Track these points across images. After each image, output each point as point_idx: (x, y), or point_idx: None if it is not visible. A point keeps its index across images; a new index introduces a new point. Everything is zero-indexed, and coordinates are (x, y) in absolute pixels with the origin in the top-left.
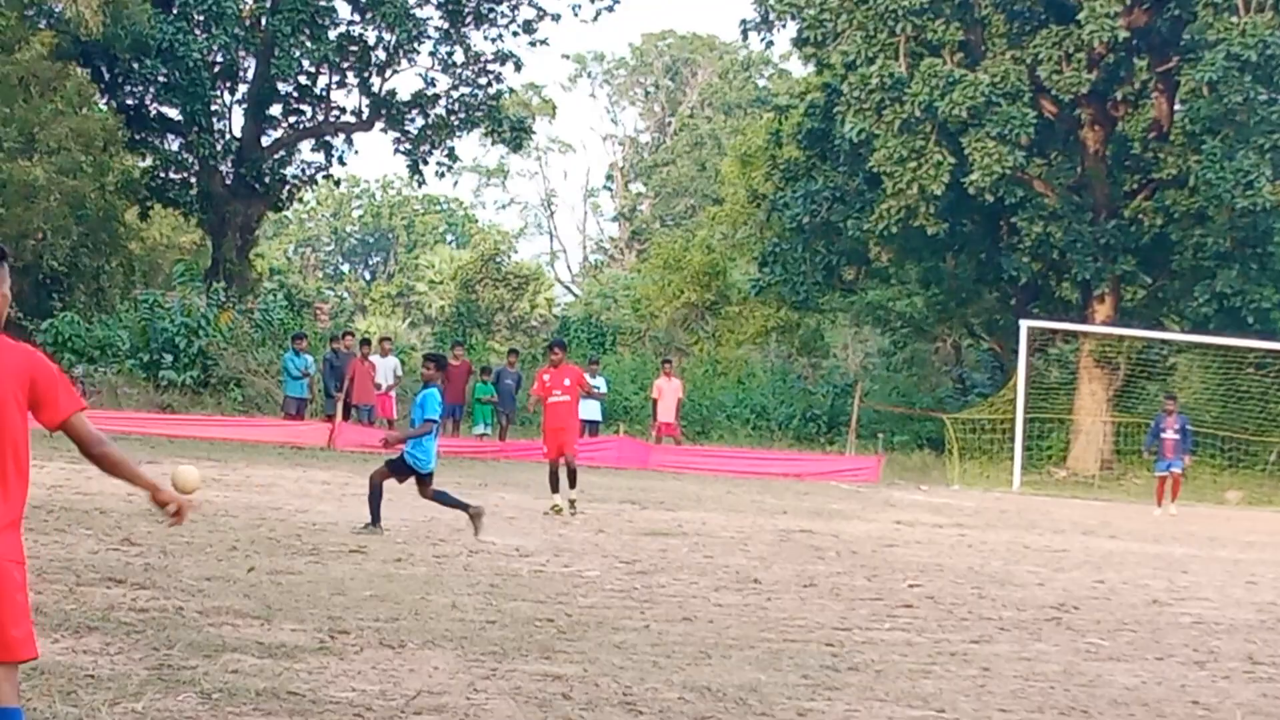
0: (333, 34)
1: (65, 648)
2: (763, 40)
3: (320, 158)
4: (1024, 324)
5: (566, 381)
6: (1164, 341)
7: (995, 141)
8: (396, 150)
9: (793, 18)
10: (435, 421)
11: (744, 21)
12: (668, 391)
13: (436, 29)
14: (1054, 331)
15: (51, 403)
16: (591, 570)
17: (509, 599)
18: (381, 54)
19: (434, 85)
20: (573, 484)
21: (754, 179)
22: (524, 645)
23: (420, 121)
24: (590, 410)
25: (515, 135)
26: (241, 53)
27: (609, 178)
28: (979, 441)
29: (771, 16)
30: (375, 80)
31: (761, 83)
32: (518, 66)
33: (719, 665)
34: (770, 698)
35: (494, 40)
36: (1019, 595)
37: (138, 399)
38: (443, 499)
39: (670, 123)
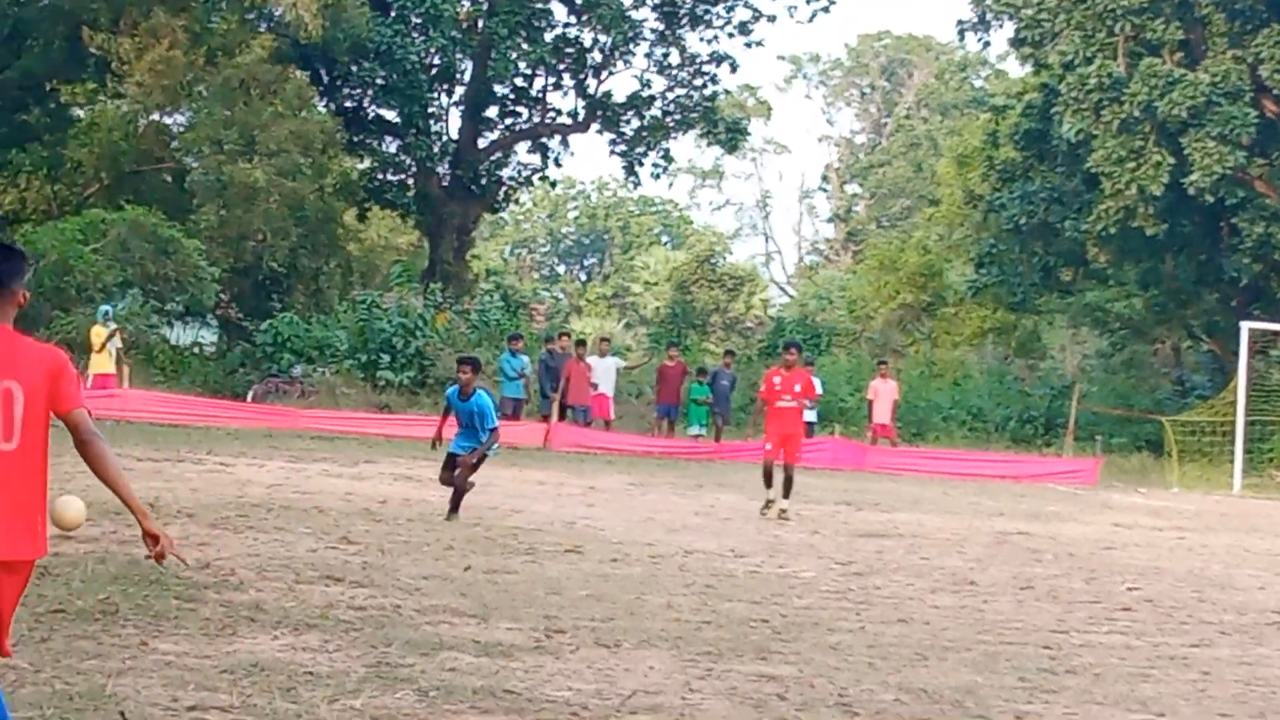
0: (549, 36)
1: (285, 645)
2: (980, 41)
3: (536, 159)
4: (1245, 326)
5: (797, 388)
6: None
7: (1215, 141)
8: (612, 152)
9: (1010, 18)
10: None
11: (960, 22)
12: (883, 393)
13: (652, 31)
14: (1275, 333)
15: (66, 394)
16: (807, 571)
17: (724, 599)
18: (597, 56)
19: (649, 87)
20: (787, 493)
21: (970, 180)
22: (739, 646)
23: (636, 123)
24: (806, 412)
25: (730, 136)
26: (458, 55)
27: (824, 179)
28: (1199, 444)
29: (988, 17)
30: (591, 82)
31: (978, 83)
32: (733, 68)
33: (935, 667)
34: (987, 700)
35: (709, 42)
36: (1240, 599)
37: (355, 399)
38: (461, 490)
39: (886, 123)
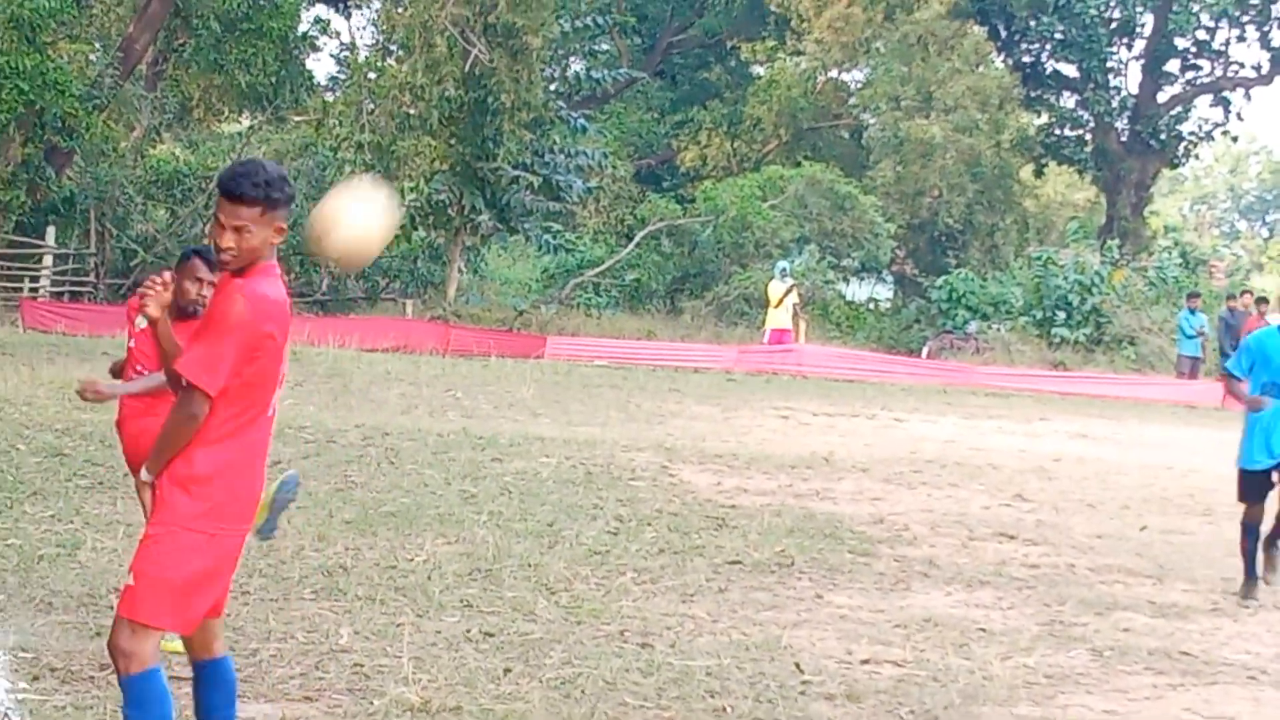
0: None
1: (958, 601)
2: None
3: (1218, 113)
4: None
5: None
6: None
7: None
8: None
9: None
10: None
11: None
12: None
13: None
14: None
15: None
16: None
17: None
18: None
19: None
20: None
21: None
22: None
23: None
24: None
25: None
26: (1139, 8)
27: None
28: None
29: None
30: (1275, 34)
31: None
32: None
33: None
34: None
35: None
36: None
37: (1030, 355)
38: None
39: None
